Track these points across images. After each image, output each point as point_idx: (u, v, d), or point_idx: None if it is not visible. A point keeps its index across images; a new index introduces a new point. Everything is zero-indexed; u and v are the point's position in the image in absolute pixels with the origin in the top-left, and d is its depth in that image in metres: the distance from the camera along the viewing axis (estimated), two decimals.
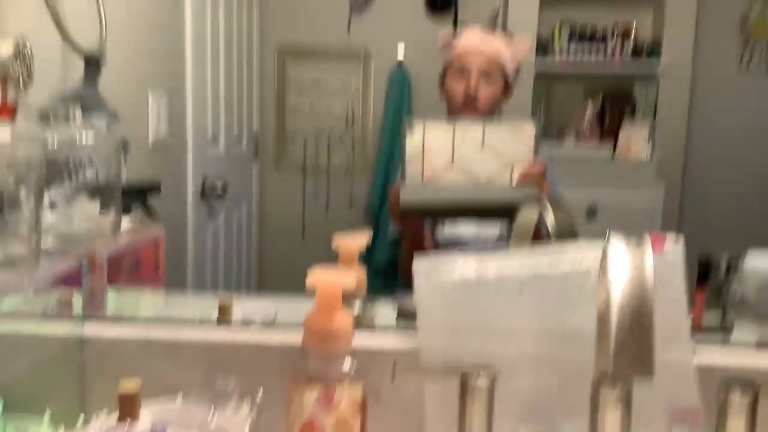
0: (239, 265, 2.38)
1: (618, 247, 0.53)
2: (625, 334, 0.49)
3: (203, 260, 1.98)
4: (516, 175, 1.02)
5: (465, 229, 1.33)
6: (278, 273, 2.65)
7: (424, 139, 1.01)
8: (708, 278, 0.98)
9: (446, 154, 1.01)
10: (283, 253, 2.68)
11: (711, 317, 0.84)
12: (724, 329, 0.73)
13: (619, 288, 0.50)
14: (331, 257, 0.68)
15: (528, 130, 1.03)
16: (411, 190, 1.02)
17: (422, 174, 1.01)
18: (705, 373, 0.62)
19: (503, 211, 1.03)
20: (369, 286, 2.61)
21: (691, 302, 0.67)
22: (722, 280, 0.96)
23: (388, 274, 2.26)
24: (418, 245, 1.27)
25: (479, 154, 1.02)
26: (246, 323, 0.70)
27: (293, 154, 2.79)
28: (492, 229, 1.31)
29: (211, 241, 2.03)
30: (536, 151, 1.03)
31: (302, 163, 2.78)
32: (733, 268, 0.97)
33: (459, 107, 1.39)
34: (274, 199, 2.77)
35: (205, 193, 1.95)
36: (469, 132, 1.01)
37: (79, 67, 1.15)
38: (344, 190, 2.79)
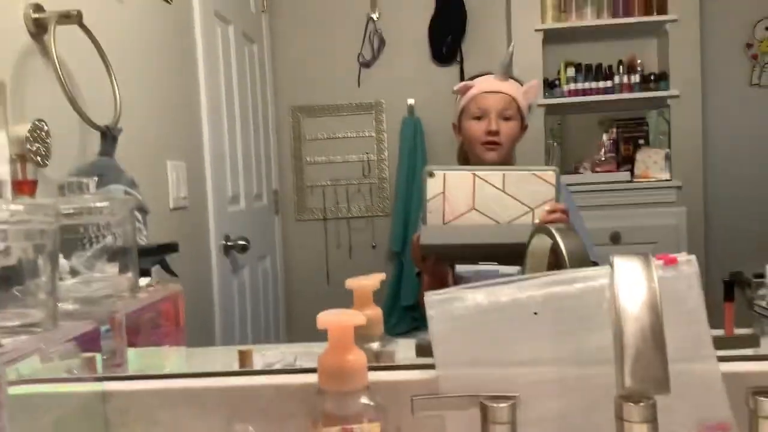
0: (267, 317, 2.40)
1: (624, 267, 0.53)
2: (639, 352, 0.48)
3: (231, 315, 2.00)
4: (537, 220, 1.02)
5: (485, 267, 1.33)
6: (307, 321, 2.66)
7: (444, 185, 1.01)
8: (741, 294, 0.96)
9: (467, 200, 1.02)
10: (309, 301, 2.70)
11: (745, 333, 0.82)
12: (752, 339, 0.71)
13: (628, 306, 0.50)
14: None
15: (549, 176, 1.03)
16: (431, 234, 1.02)
17: (443, 218, 1.01)
18: (734, 382, 0.60)
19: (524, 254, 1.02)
20: (398, 325, 2.59)
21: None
22: (751, 295, 0.94)
23: (417, 312, 2.25)
24: (440, 284, 1.28)
25: (500, 199, 1.02)
26: (265, 369, 0.70)
27: (313, 205, 2.84)
28: (513, 267, 1.31)
29: (237, 296, 2.06)
30: (558, 196, 1.03)
31: (322, 214, 2.83)
32: (760, 282, 0.95)
33: (480, 148, 1.42)
34: (297, 249, 2.82)
35: (228, 249, 1.98)
36: (489, 178, 1.02)
37: (97, 140, 1.20)
38: (365, 236, 2.82)
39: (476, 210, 1.01)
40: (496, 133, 1.40)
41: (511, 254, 1.01)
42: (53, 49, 1.07)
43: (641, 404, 0.54)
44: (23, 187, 0.88)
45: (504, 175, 1.02)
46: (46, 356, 0.62)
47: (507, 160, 1.45)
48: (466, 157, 1.52)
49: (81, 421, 0.63)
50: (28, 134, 0.87)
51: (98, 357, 0.68)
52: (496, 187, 1.02)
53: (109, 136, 1.15)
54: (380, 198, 2.82)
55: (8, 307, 0.64)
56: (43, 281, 0.63)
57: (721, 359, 0.61)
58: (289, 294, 2.74)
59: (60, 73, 1.07)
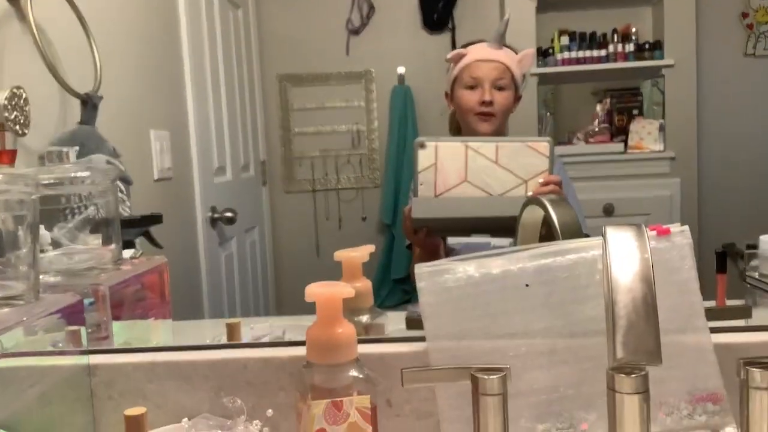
0: (255, 290, 2.39)
1: (617, 237, 0.52)
2: (630, 323, 0.48)
3: (218, 287, 1.99)
4: (530, 193, 1.00)
5: (477, 239, 1.32)
6: (295, 294, 2.65)
7: (436, 156, 0.99)
8: (733, 266, 0.96)
9: (459, 171, 1.00)
10: (298, 273, 2.69)
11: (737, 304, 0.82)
12: (744, 311, 0.71)
13: (620, 277, 0.49)
14: None
15: (542, 148, 1.01)
16: (422, 206, 1.01)
17: (435, 191, 1.00)
18: (726, 353, 0.60)
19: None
20: (389, 297, 2.58)
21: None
22: (744, 267, 0.93)
23: (408, 284, 2.25)
24: (431, 256, 1.27)
25: (493, 171, 1.00)
26: (253, 342, 0.70)
27: (301, 176, 2.81)
28: (506, 239, 1.30)
29: (224, 268, 2.04)
30: (551, 168, 1.01)
31: (311, 185, 2.80)
32: (752, 253, 0.94)
33: (473, 119, 1.40)
34: (285, 221, 2.79)
35: (215, 221, 1.96)
36: (482, 150, 1.00)
37: (77, 109, 1.17)
38: (355, 207, 2.80)
39: (468, 182, 1.00)
40: (490, 103, 1.37)
41: (504, 227, 1.00)
42: (30, 13, 1.04)
43: (633, 375, 0.53)
44: (1, 156, 0.85)
45: (497, 146, 1.00)
46: (30, 329, 0.60)
47: (500, 131, 1.43)
48: (458, 127, 1.50)
49: (66, 394, 0.62)
50: (5, 102, 0.84)
51: (83, 330, 0.67)
52: (489, 159, 1.00)
53: (89, 104, 1.12)
54: (370, 169, 2.80)
55: None
56: (23, 253, 0.61)
57: (713, 330, 0.61)
58: (278, 266, 2.73)
59: (38, 38, 1.04)
